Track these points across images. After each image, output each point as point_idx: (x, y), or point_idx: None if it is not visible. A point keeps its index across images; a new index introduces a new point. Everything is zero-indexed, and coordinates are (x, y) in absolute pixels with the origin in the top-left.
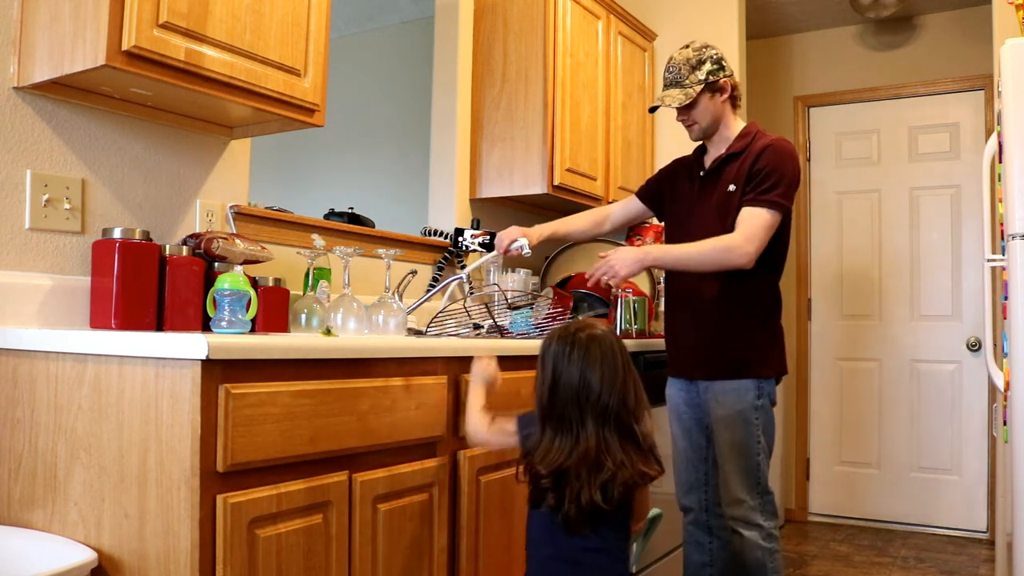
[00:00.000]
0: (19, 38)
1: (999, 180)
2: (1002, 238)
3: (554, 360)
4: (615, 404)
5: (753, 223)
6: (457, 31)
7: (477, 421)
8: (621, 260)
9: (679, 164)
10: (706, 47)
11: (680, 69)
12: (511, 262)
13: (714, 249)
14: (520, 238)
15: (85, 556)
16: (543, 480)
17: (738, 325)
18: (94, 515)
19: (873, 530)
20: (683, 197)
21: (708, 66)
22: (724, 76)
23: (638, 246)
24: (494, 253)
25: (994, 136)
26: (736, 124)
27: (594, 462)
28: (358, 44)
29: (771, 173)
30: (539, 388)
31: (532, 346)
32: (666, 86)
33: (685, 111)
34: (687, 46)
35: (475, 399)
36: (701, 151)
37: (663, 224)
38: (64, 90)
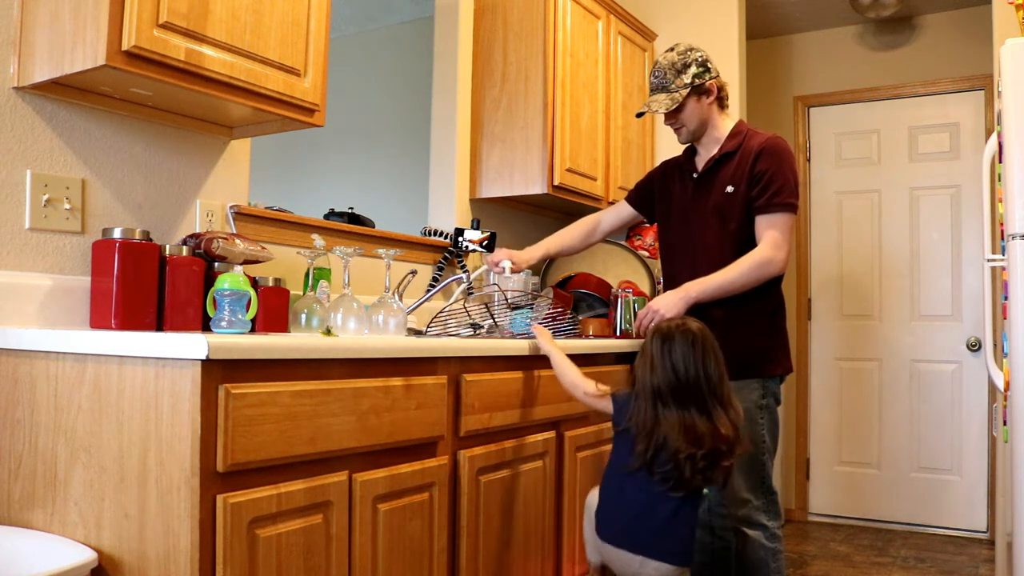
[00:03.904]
0: (19, 38)
1: (999, 180)
2: (1002, 238)
3: (682, 354)
4: (725, 391)
5: (776, 230)
6: (457, 31)
7: (582, 380)
8: (666, 305)
9: (669, 166)
10: (691, 50)
11: (666, 73)
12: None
13: (750, 268)
14: (504, 260)
15: (85, 556)
16: (690, 453)
17: (742, 325)
18: (94, 515)
19: (873, 530)
20: (676, 199)
21: (693, 69)
22: (710, 78)
23: (637, 246)
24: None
25: (994, 136)
26: (725, 124)
27: (714, 435)
28: (358, 44)
29: (775, 176)
30: (661, 375)
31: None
32: (652, 91)
33: (672, 115)
34: (672, 49)
35: (564, 359)
36: (691, 152)
37: (655, 226)
38: (64, 90)
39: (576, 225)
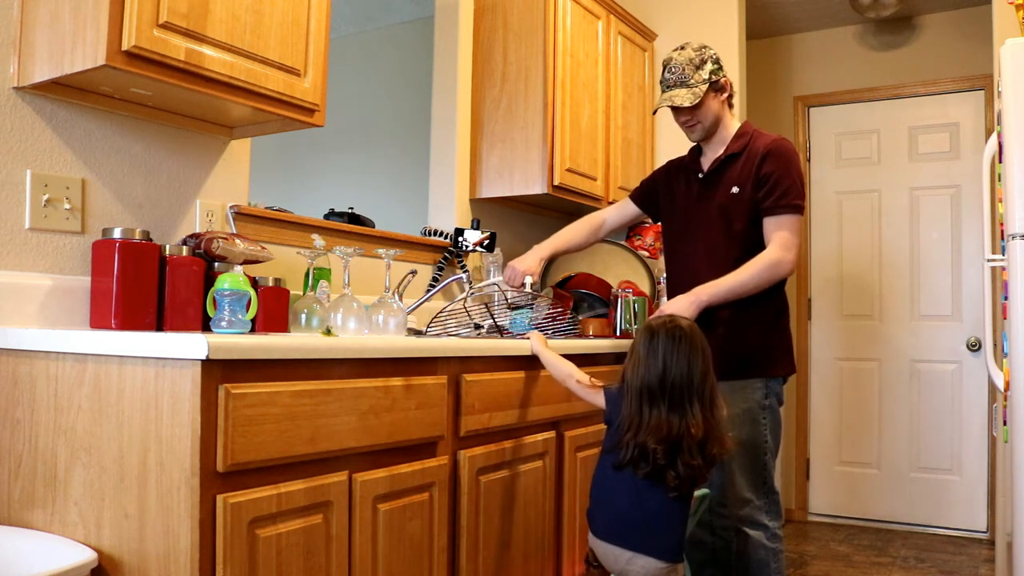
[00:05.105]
0: (19, 38)
1: (999, 180)
2: (1002, 238)
3: (664, 351)
4: (708, 389)
5: (785, 231)
6: (457, 31)
7: (574, 370)
8: (677, 309)
9: (674, 166)
10: (704, 47)
11: (684, 69)
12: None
13: (761, 270)
14: (527, 277)
15: (85, 556)
16: (653, 448)
17: (747, 325)
18: (94, 515)
19: (873, 530)
20: (681, 199)
21: (710, 65)
22: (723, 76)
23: (637, 246)
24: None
25: (994, 136)
26: (732, 124)
27: (702, 436)
28: (358, 44)
29: (782, 177)
30: (644, 372)
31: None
32: (670, 86)
33: (689, 111)
34: (683, 47)
35: (554, 354)
36: (697, 152)
37: (659, 224)
38: (64, 90)
39: (581, 222)
